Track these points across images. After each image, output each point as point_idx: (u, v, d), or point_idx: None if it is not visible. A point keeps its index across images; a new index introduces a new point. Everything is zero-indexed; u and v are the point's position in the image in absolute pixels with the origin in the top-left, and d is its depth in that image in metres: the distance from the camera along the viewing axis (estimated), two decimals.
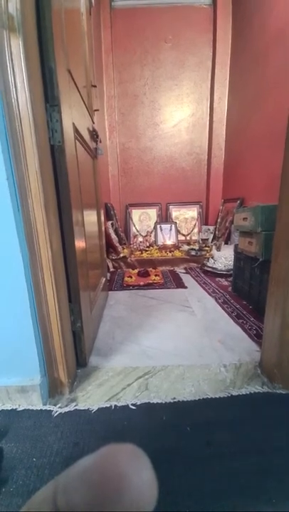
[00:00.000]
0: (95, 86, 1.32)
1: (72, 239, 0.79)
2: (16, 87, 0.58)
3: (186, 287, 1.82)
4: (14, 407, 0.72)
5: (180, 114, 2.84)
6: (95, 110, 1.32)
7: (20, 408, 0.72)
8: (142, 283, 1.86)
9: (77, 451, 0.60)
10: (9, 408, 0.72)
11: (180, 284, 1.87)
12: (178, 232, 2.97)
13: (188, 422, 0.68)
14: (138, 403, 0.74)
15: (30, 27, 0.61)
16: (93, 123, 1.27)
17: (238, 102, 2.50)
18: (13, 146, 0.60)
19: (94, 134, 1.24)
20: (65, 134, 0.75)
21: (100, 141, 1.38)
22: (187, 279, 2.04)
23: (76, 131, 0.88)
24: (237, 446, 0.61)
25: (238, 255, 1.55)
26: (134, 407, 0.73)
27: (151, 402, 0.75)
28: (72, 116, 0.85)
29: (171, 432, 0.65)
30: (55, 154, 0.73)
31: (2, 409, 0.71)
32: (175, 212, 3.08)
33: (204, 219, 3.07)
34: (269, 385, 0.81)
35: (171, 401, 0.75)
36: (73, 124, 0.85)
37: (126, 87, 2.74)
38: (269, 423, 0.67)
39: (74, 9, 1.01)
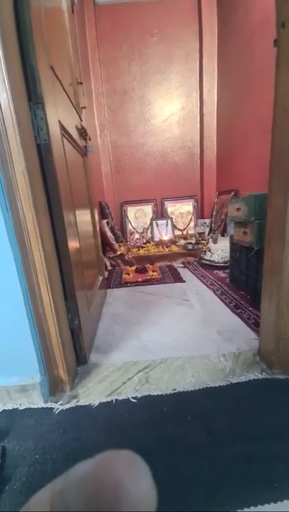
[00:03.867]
0: (81, 83, 1.31)
1: (65, 238, 0.79)
2: None
3: (184, 281, 1.83)
4: (15, 407, 0.73)
5: (170, 108, 2.83)
6: (83, 108, 1.31)
7: (22, 407, 0.73)
8: (140, 279, 1.87)
9: (80, 446, 0.61)
10: (10, 408, 0.73)
11: (178, 279, 1.88)
12: (174, 227, 2.96)
13: (189, 411, 0.68)
14: (139, 396, 0.75)
15: (9, 26, 0.61)
16: (81, 120, 1.26)
17: (227, 93, 2.48)
18: None
19: (82, 132, 1.24)
20: (51, 132, 0.74)
21: (90, 139, 1.38)
22: (185, 273, 2.04)
23: (63, 128, 0.88)
24: (238, 433, 0.61)
25: (234, 246, 1.55)
26: (135, 400, 0.73)
27: (152, 394, 0.75)
28: (58, 114, 0.84)
29: (172, 422, 0.66)
30: (42, 153, 0.73)
31: (3, 410, 0.72)
32: (170, 207, 3.07)
33: (200, 212, 3.07)
34: (268, 371, 0.82)
35: (172, 392, 0.76)
36: (59, 121, 0.84)
37: (114, 83, 2.72)
38: (269, 408, 0.68)
39: (55, 7, 1.00)
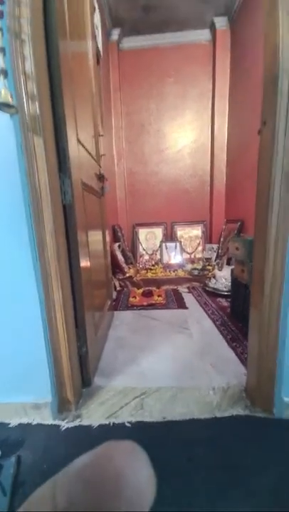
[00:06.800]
0: (102, 135, 1.52)
1: (80, 280, 0.95)
2: (37, 170, 0.75)
3: (187, 308, 1.93)
4: (29, 421, 0.86)
5: (183, 140, 3.04)
6: (102, 155, 1.52)
7: (35, 422, 0.86)
8: (145, 303, 1.99)
9: None
10: (25, 422, 0.86)
11: (181, 305, 1.99)
12: (183, 250, 3.10)
13: (174, 439, 0.79)
14: (133, 421, 0.86)
15: (48, 125, 0.80)
16: (100, 167, 1.46)
17: (237, 130, 2.66)
18: (33, 212, 0.78)
19: (100, 177, 1.43)
20: (75, 191, 0.92)
21: (106, 180, 1.57)
22: (189, 298, 2.15)
23: (84, 185, 1.06)
24: (214, 463, 0.71)
25: (235, 280, 1.65)
26: (129, 425, 0.85)
27: (145, 420, 0.86)
28: (81, 174, 1.02)
29: (158, 447, 0.76)
30: (66, 210, 0.90)
31: (20, 423, 0.86)
32: (180, 231, 3.22)
33: (208, 237, 3.19)
34: (251, 408, 0.91)
35: (162, 420, 0.87)
36: (81, 180, 1.03)
37: (132, 118, 2.99)
38: (244, 443, 0.77)
39: (83, 72, 1.20)
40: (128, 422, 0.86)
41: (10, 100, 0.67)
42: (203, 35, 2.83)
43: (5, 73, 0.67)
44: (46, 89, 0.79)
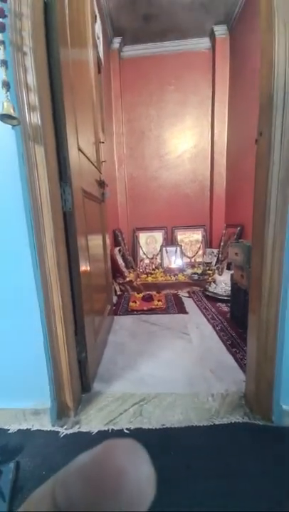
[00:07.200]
0: (103, 142, 1.54)
1: (80, 286, 0.96)
2: (38, 179, 0.77)
3: (186, 312, 1.93)
4: (29, 427, 0.87)
5: (183, 145, 3.07)
6: (103, 162, 1.54)
7: (34, 428, 0.86)
8: (145, 308, 2.00)
9: None
10: (25, 428, 0.86)
11: (181, 310, 1.99)
12: (183, 254, 3.10)
13: (173, 446, 0.79)
14: (132, 428, 0.86)
15: (49, 135, 0.81)
16: (100, 173, 1.48)
17: (236, 136, 2.69)
18: (34, 220, 0.79)
19: (101, 183, 1.45)
20: (75, 199, 0.93)
21: (107, 186, 1.59)
22: (189, 303, 2.15)
23: (84, 192, 1.08)
24: (211, 470, 0.71)
25: (234, 285, 1.66)
26: (128, 432, 0.85)
27: (143, 427, 0.86)
28: (82, 182, 1.04)
29: (156, 455, 0.76)
30: (66, 218, 0.92)
31: (19, 429, 0.86)
32: (180, 235, 3.23)
33: (208, 242, 3.20)
34: (250, 415, 0.91)
35: (161, 427, 0.87)
36: (82, 187, 1.04)
37: (133, 125, 3.02)
38: (243, 451, 0.77)
39: (86, 82, 1.23)
40: (127, 429, 0.86)
41: (12, 112, 0.68)
42: (203, 43, 2.88)
43: (7, 86, 0.69)
44: (47, 100, 0.81)
